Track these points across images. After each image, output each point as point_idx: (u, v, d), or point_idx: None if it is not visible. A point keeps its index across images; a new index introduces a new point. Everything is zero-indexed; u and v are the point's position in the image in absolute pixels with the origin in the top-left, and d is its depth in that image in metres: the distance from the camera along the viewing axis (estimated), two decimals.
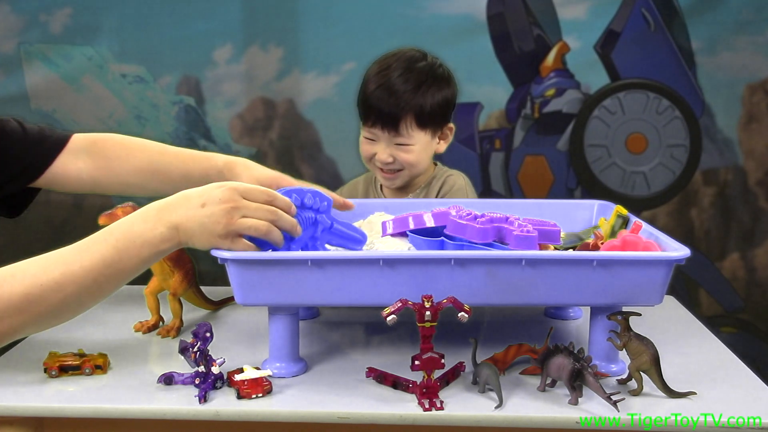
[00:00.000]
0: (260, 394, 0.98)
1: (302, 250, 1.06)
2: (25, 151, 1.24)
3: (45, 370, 1.04)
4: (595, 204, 1.37)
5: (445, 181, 1.56)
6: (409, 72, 1.48)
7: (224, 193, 0.97)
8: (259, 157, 2.24)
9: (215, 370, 1.00)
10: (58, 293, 0.93)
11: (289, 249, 1.04)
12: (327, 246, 1.09)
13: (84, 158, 1.27)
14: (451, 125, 1.55)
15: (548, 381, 1.00)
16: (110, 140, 1.30)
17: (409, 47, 1.53)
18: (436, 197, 1.53)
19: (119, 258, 0.95)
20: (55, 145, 1.26)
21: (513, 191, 2.26)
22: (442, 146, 1.55)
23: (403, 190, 1.57)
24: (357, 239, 1.11)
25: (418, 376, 0.97)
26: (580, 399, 0.96)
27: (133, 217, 0.98)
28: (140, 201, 1.17)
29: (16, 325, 0.93)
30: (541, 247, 1.09)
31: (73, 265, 0.94)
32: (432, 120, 1.49)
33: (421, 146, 1.49)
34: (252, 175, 1.24)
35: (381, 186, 1.59)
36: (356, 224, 1.28)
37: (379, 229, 1.23)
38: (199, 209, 0.97)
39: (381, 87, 1.47)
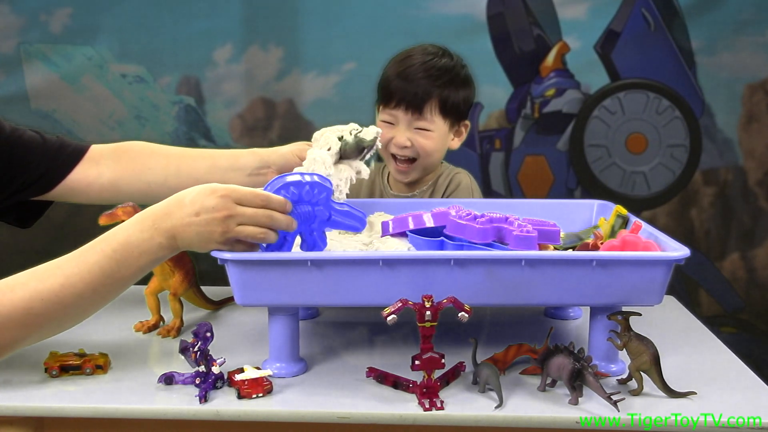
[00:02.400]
0: (260, 394, 0.98)
1: (300, 239, 1.06)
2: (44, 160, 1.25)
3: (45, 370, 1.04)
4: (595, 204, 1.37)
5: (452, 178, 1.56)
6: (438, 59, 1.49)
7: (218, 201, 0.97)
8: None
9: (215, 369, 1.00)
10: (58, 305, 0.95)
11: (284, 241, 1.04)
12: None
13: (107, 162, 1.28)
14: (467, 122, 1.57)
15: (548, 381, 1.00)
16: (133, 143, 1.33)
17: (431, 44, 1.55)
18: (444, 195, 1.54)
19: (118, 268, 0.97)
20: (75, 153, 1.27)
21: (513, 191, 2.26)
22: (456, 143, 1.56)
23: (411, 186, 1.57)
24: (355, 227, 1.09)
25: (418, 376, 0.97)
26: (580, 399, 0.96)
27: (129, 227, 0.99)
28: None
29: (18, 337, 0.95)
30: (541, 247, 1.10)
31: (72, 277, 0.95)
32: (454, 111, 1.50)
33: (439, 135, 1.50)
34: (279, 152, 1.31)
35: (389, 177, 1.59)
36: None
37: (379, 229, 1.23)
38: (194, 218, 0.97)
39: (409, 68, 1.47)
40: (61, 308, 0.95)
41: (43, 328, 0.96)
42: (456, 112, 1.51)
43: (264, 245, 1.03)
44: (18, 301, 0.93)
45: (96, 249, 0.97)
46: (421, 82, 1.47)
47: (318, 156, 1.22)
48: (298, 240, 1.08)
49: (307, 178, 1.04)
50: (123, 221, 1.15)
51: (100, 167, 1.28)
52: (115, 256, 0.97)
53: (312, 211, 1.05)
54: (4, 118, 1.28)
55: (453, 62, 1.52)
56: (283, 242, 1.04)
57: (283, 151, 1.31)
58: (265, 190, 1.03)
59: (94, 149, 1.29)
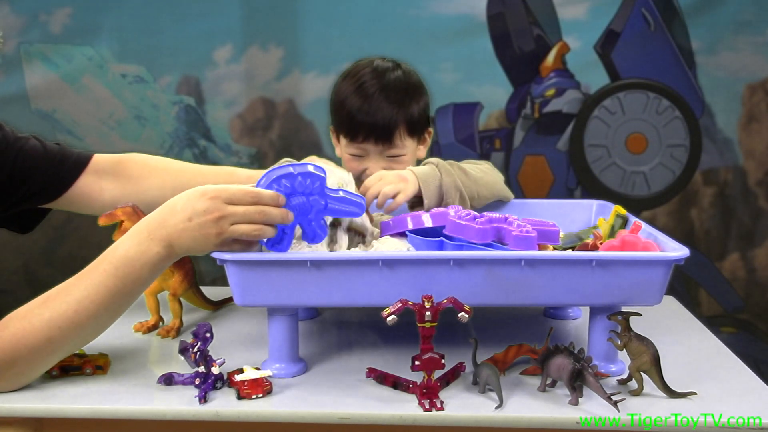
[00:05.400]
0: (260, 395, 0.98)
1: (300, 230, 1.05)
2: (46, 171, 1.24)
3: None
4: (594, 204, 1.37)
5: None
6: (391, 83, 1.43)
7: (208, 204, 0.98)
8: (259, 157, 2.25)
9: (215, 370, 1.00)
10: (75, 329, 0.99)
11: (283, 235, 1.03)
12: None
13: (108, 179, 1.28)
14: (430, 129, 1.53)
15: (548, 381, 1.00)
16: (132, 160, 1.32)
17: (376, 57, 1.50)
18: None
19: (123, 284, 0.99)
20: (77, 164, 1.27)
21: (513, 191, 2.25)
22: (423, 151, 1.53)
23: None
24: (354, 212, 1.08)
25: (418, 377, 0.97)
26: (580, 399, 0.96)
27: (126, 241, 1.00)
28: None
29: (43, 363, 1.00)
30: (540, 248, 1.09)
31: (83, 301, 0.98)
32: (419, 127, 1.47)
33: (410, 155, 1.47)
34: None
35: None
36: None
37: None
38: (187, 223, 0.98)
39: (369, 101, 1.41)
40: (79, 330, 0.99)
41: (64, 350, 1.01)
42: (421, 127, 1.48)
43: (264, 241, 1.03)
44: (38, 332, 0.97)
45: (99, 269, 0.99)
46: (383, 112, 1.40)
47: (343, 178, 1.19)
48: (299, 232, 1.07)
49: (299, 169, 1.03)
50: (122, 221, 1.15)
51: (102, 183, 1.28)
52: (117, 273, 0.99)
53: (307, 201, 1.03)
54: (4, 119, 1.28)
55: (404, 78, 1.46)
56: (282, 236, 1.03)
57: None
58: (257, 185, 1.02)
59: (97, 160, 1.29)
